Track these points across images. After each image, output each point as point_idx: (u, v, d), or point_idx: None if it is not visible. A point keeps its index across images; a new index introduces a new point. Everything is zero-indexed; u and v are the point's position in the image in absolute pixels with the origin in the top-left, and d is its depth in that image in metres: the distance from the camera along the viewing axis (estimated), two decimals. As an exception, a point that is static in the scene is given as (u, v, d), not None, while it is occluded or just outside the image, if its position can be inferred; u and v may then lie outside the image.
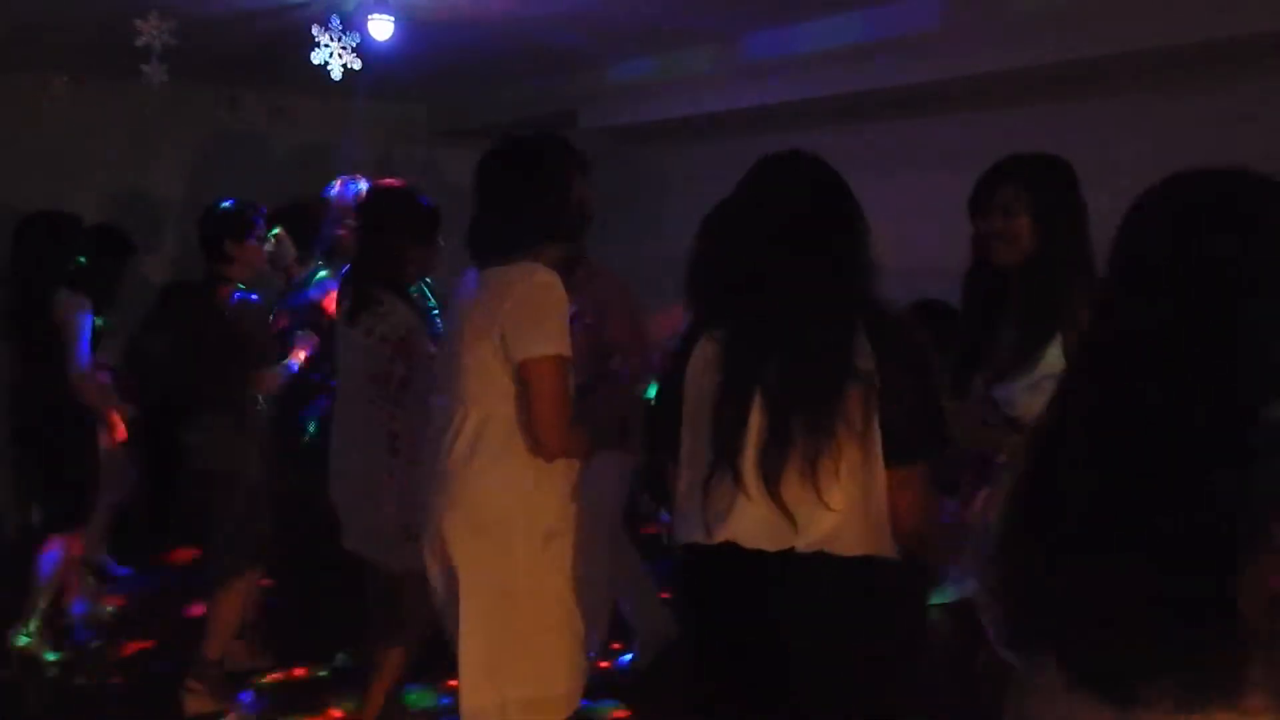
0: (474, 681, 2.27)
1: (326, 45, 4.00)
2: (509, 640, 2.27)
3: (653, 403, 2.06)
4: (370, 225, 3.05)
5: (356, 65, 4.06)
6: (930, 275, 2.88)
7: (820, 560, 1.77)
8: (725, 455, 1.80)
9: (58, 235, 3.83)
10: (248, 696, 3.45)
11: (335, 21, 4.00)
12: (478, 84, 5.99)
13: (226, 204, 3.48)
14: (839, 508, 1.74)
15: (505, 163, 2.42)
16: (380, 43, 4.09)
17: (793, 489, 1.75)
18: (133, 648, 3.93)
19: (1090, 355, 1.27)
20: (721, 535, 1.83)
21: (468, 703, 2.28)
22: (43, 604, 3.79)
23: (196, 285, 3.53)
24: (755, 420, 1.78)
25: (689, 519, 1.88)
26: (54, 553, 3.78)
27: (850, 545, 1.77)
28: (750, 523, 1.80)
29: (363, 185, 3.69)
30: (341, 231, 3.64)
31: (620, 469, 3.30)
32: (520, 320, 2.20)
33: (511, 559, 2.26)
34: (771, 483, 1.76)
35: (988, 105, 4.18)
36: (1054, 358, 2.27)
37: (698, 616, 1.97)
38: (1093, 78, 3.80)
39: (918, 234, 3.34)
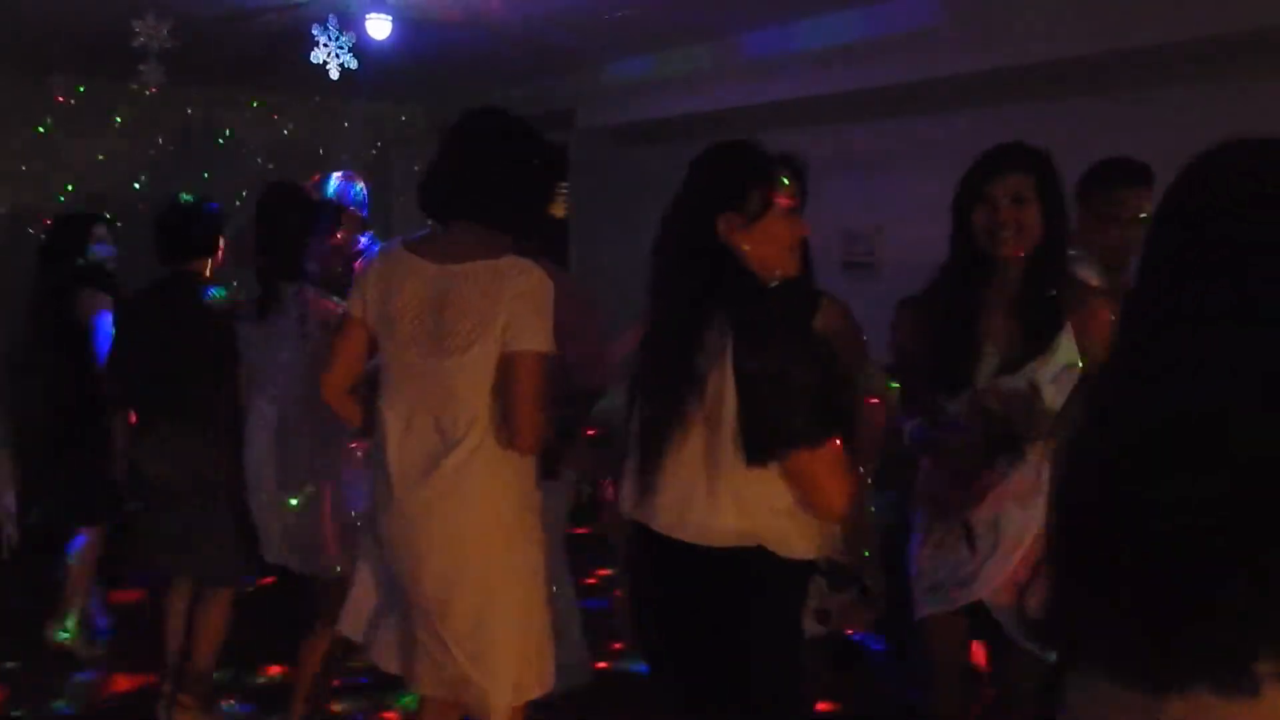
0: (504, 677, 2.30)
1: (324, 45, 4.00)
2: (536, 628, 2.36)
3: None
4: (265, 221, 3.01)
5: (354, 65, 4.06)
6: (932, 272, 2.86)
7: (693, 550, 1.89)
8: (631, 440, 1.99)
9: (79, 233, 3.85)
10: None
11: (333, 21, 4.00)
12: (476, 83, 5.98)
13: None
14: (681, 491, 1.87)
15: (517, 140, 2.36)
16: (378, 42, 4.09)
17: (659, 474, 1.90)
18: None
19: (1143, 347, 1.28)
20: (628, 510, 2.02)
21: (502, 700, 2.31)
22: (79, 599, 3.79)
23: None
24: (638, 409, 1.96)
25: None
26: (80, 541, 3.78)
27: (719, 537, 1.86)
28: (639, 501, 1.97)
29: (359, 185, 3.70)
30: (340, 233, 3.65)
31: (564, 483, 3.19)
32: (523, 314, 2.20)
33: (516, 552, 2.33)
34: (646, 470, 1.91)
35: (988, 102, 4.17)
36: (1068, 348, 2.26)
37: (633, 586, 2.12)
38: (1094, 75, 3.80)
39: (918, 231, 3.34)
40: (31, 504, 4.13)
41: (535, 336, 2.20)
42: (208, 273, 3.33)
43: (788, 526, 1.86)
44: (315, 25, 3.96)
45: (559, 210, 7.06)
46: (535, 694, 2.34)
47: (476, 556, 2.27)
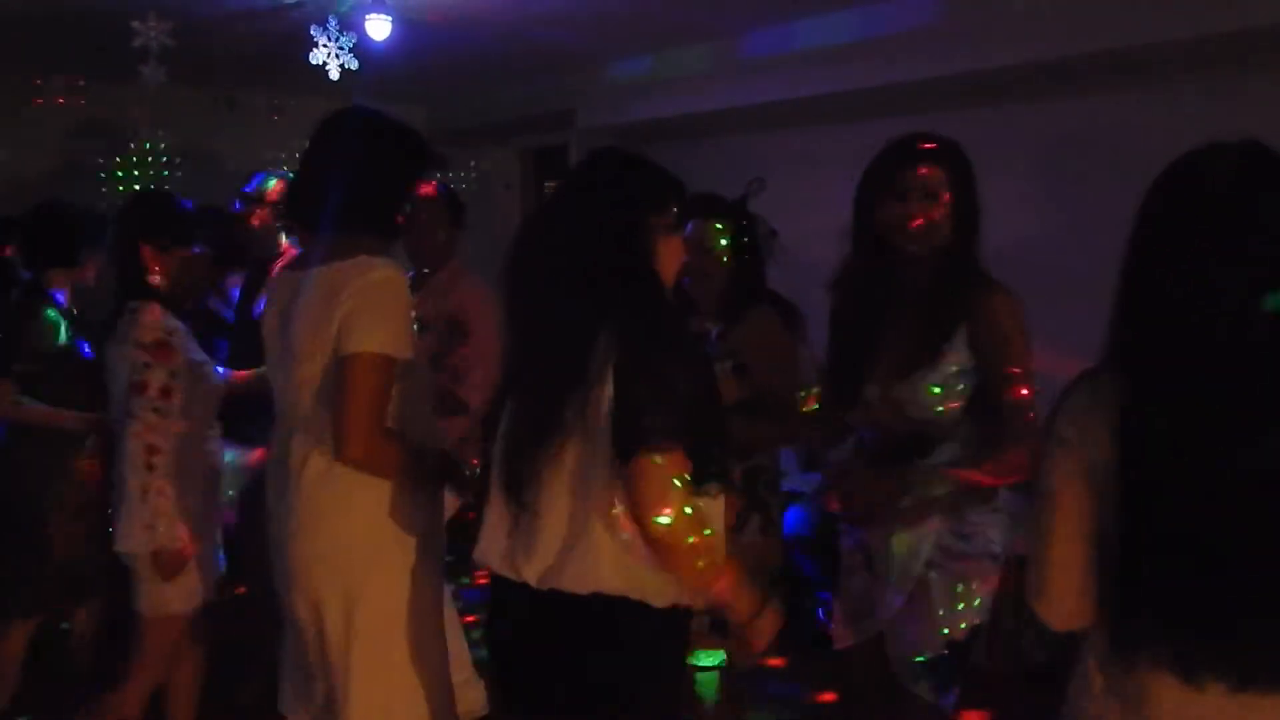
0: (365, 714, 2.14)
1: (324, 46, 4.00)
2: (394, 673, 2.16)
3: None
4: (116, 228, 2.84)
5: (354, 65, 4.06)
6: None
7: (550, 598, 1.71)
8: (491, 457, 1.80)
9: None
10: None
11: (333, 22, 4.00)
12: (476, 83, 5.98)
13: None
14: (543, 509, 1.70)
15: (352, 130, 2.20)
16: (378, 43, 4.08)
17: (519, 489, 1.72)
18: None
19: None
20: (477, 553, 1.83)
21: None
22: None
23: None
24: (504, 420, 1.79)
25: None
26: None
27: (578, 579, 1.69)
28: (491, 538, 1.80)
29: (270, 176, 3.60)
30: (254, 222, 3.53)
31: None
32: (356, 313, 2.00)
33: (385, 586, 2.14)
34: (502, 478, 1.74)
35: (988, 102, 4.17)
36: (961, 353, 2.10)
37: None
38: (1093, 74, 3.79)
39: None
40: None
41: (368, 336, 1.99)
42: (65, 283, 3.19)
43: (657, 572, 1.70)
44: (314, 26, 3.96)
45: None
46: None
47: (336, 583, 2.11)
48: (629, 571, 1.69)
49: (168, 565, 2.60)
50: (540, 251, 1.78)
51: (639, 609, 1.70)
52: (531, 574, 1.73)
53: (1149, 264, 1.36)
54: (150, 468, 2.57)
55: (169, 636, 2.70)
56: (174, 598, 2.65)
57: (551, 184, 7.03)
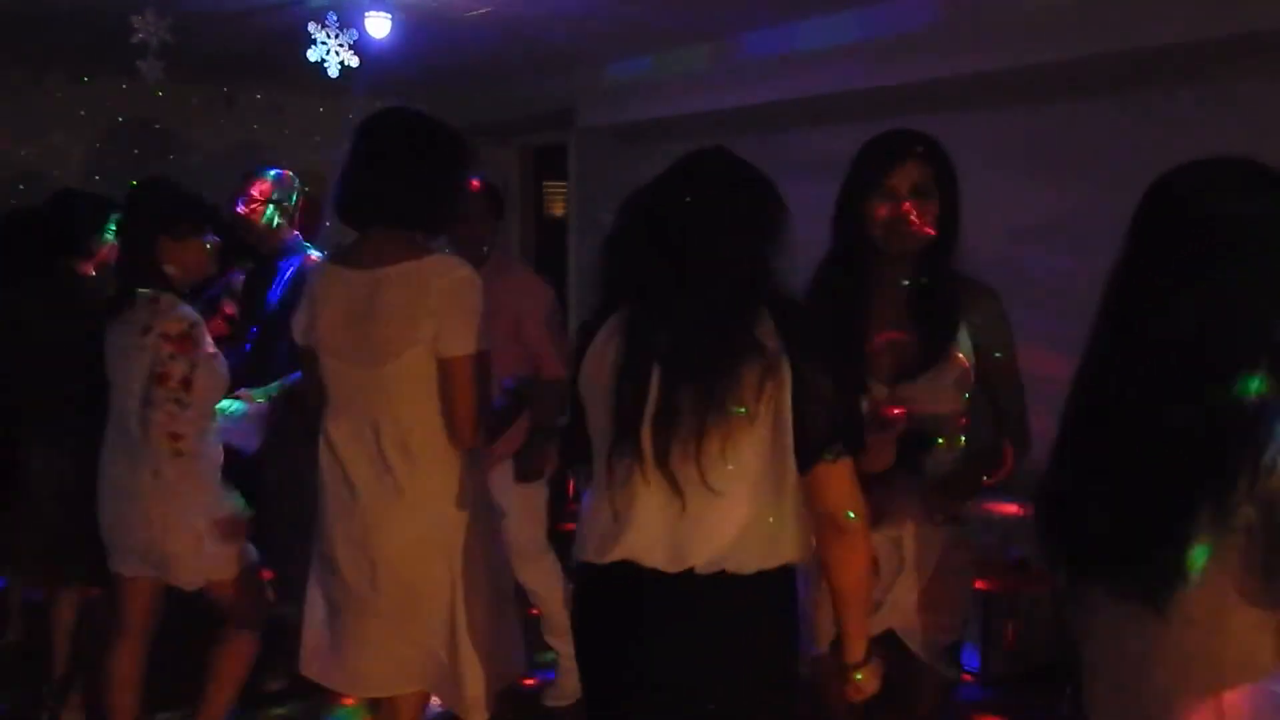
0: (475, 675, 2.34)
1: (323, 42, 4.00)
2: (504, 618, 2.41)
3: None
4: (126, 218, 2.90)
5: (354, 63, 4.06)
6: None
7: (721, 583, 1.71)
8: (626, 431, 1.74)
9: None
10: None
11: (332, 18, 3.99)
12: (476, 82, 5.98)
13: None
14: (722, 490, 1.69)
15: (416, 135, 2.32)
16: (377, 40, 4.08)
17: (682, 467, 1.70)
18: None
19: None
20: (619, 551, 1.76)
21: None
22: None
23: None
24: (653, 394, 1.73)
25: (588, 525, 1.84)
26: None
27: (752, 558, 1.72)
28: (648, 524, 1.74)
29: (270, 173, 3.61)
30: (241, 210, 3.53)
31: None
32: (450, 318, 2.21)
33: (477, 557, 2.34)
34: (661, 457, 1.70)
35: (987, 103, 4.17)
36: (967, 350, 2.15)
37: (590, 646, 1.90)
38: (1091, 76, 3.79)
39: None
40: None
41: (464, 340, 2.21)
42: (89, 271, 3.26)
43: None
44: (312, 23, 3.96)
45: (558, 209, 7.06)
46: (508, 682, 2.45)
47: (439, 559, 2.29)
48: (799, 542, 1.77)
49: (228, 530, 2.75)
50: (691, 238, 1.80)
51: (786, 572, 1.77)
52: (701, 558, 1.72)
53: (1128, 281, 1.48)
54: (178, 454, 2.67)
55: (252, 588, 2.85)
56: (226, 557, 2.76)
57: (551, 183, 7.03)
